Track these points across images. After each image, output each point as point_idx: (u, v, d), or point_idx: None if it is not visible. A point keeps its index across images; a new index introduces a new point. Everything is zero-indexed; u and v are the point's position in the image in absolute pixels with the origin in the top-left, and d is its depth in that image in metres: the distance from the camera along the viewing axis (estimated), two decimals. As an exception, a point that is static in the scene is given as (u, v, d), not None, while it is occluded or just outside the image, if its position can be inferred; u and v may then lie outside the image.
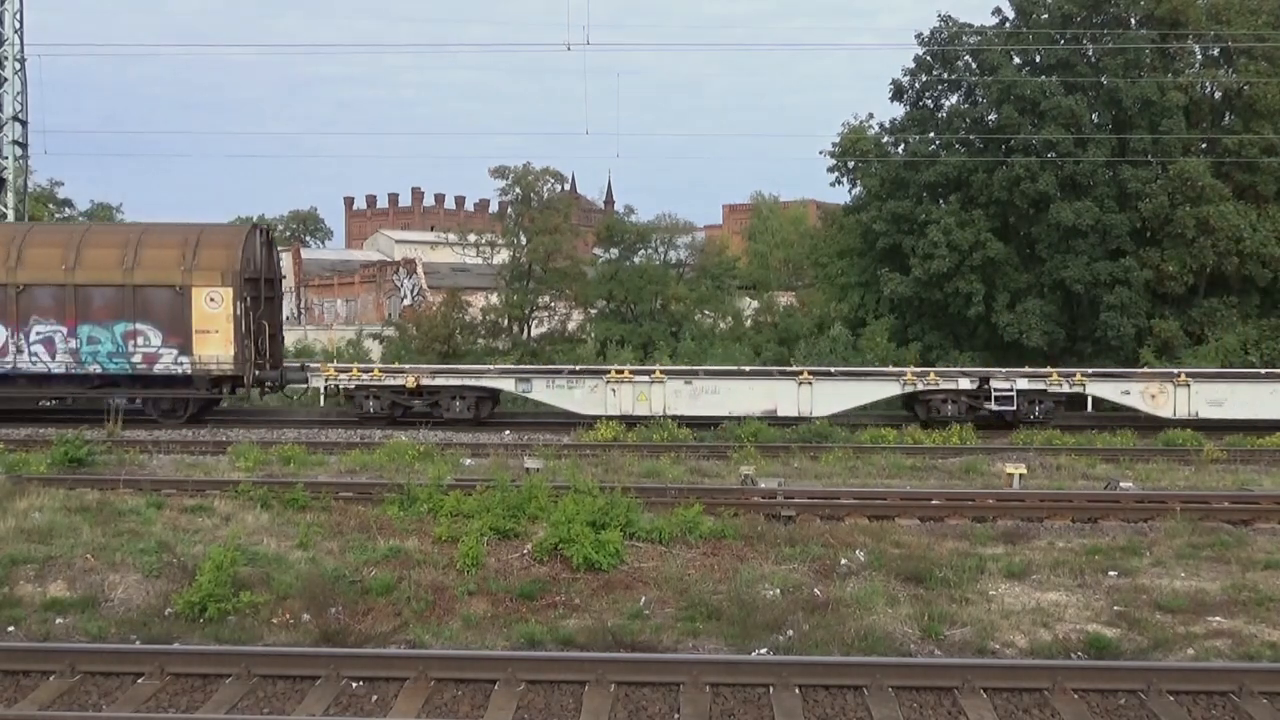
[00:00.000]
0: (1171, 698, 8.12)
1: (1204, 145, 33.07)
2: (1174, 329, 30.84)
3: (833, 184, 39.37)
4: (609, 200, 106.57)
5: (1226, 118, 33.59)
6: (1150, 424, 22.77)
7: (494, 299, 40.28)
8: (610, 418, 22.02)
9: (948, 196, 34.49)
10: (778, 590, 10.72)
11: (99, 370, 22.75)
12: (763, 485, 15.10)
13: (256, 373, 23.41)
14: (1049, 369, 24.62)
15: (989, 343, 32.56)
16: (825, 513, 13.71)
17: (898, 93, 36.27)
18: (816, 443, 20.14)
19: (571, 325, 40.41)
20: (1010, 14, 35.16)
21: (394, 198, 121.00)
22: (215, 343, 22.52)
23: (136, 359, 22.59)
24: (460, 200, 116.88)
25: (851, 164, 37.19)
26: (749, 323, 40.94)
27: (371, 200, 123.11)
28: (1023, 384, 23.10)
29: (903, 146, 35.82)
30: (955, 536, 12.75)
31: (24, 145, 30.50)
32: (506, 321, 39.31)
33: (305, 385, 24.59)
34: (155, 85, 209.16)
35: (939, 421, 22.76)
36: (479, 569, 11.22)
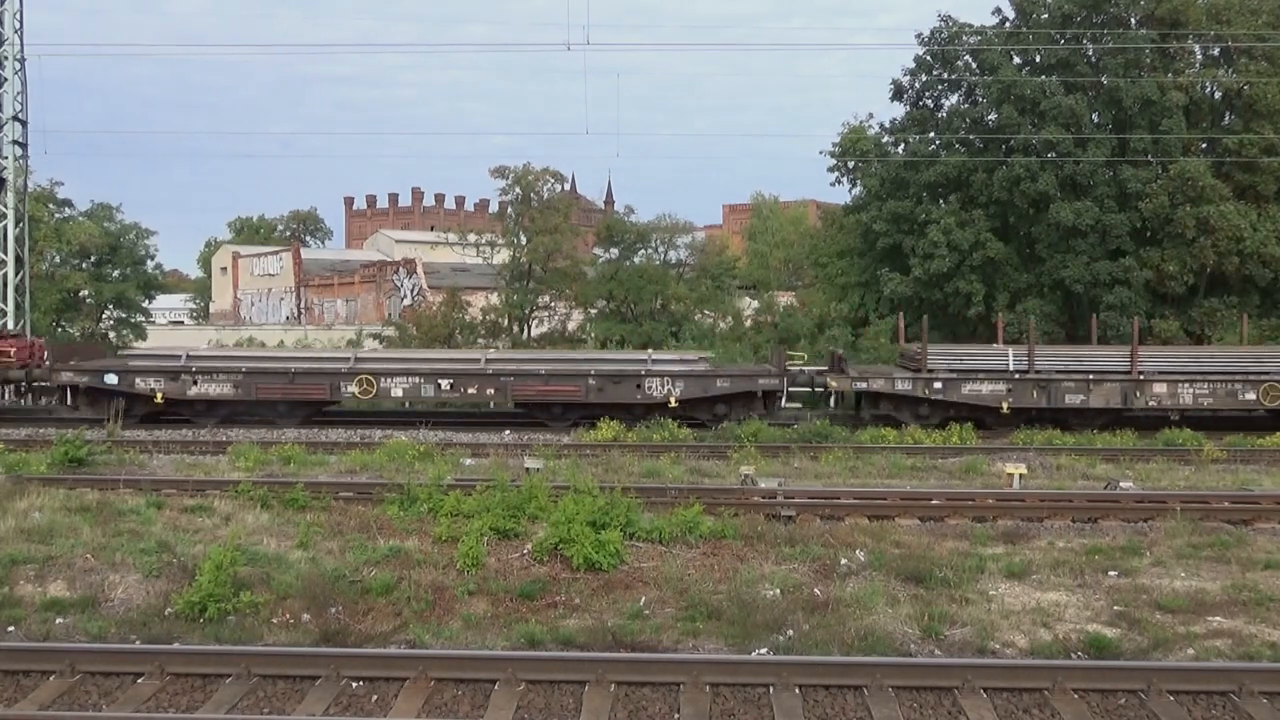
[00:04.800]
0: (1171, 698, 8.11)
1: (1204, 145, 33.12)
2: (1174, 329, 30.87)
3: (833, 184, 39.47)
4: (609, 200, 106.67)
5: (1226, 118, 33.63)
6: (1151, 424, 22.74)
7: (494, 299, 40.28)
8: None
9: (948, 196, 34.52)
10: (778, 590, 10.71)
11: None
12: (763, 485, 15.09)
13: None
14: None
15: (989, 343, 32.55)
16: (825, 513, 13.71)
17: (898, 93, 36.30)
18: (816, 443, 20.15)
19: (571, 325, 40.41)
20: (1010, 14, 35.21)
21: (394, 198, 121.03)
22: None
23: None
24: (460, 200, 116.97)
25: (851, 164, 37.24)
26: (749, 322, 40.93)
27: (371, 200, 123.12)
28: None
29: (903, 146, 35.86)
30: (955, 536, 12.74)
31: (24, 145, 30.44)
32: (506, 321, 39.30)
33: None
34: (155, 85, 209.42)
35: None
36: (479, 569, 11.22)
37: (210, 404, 23.05)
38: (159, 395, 22.58)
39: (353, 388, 22.79)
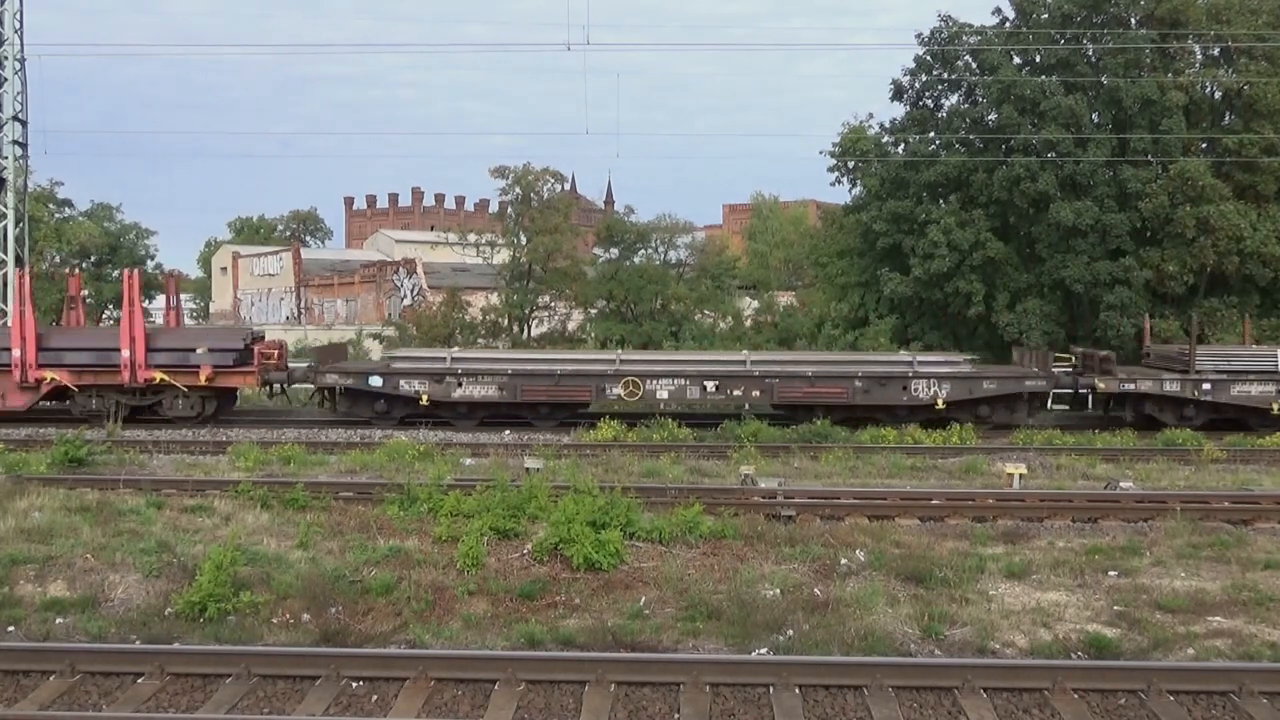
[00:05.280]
0: (1171, 698, 8.12)
1: (1204, 145, 33.09)
2: (1174, 329, 30.83)
3: (833, 184, 39.43)
4: (609, 200, 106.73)
5: (1226, 117, 33.60)
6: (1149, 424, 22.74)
7: (494, 299, 40.30)
8: None
9: (948, 196, 34.50)
10: (778, 590, 10.72)
11: None
12: (763, 485, 15.10)
13: None
14: None
15: (989, 343, 32.60)
16: (825, 512, 13.72)
17: (898, 92, 36.29)
18: (816, 443, 20.14)
19: (571, 325, 40.44)
20: (1010, 14, 35.18)
21: (394, 198, 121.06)
22: None
23: None
24: (460, 200, 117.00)
25: (851, 164, 37.21)
26: (749, 323, 40.94)
27: (371, 200, 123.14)
28: None
29: (903, 146, 35.85)
30: (955, 536, 12.75)
31: (24, 145, 30.47)
32: (506, 321, 39.33)
33: None
34: (155, 85, 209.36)
35: None
36: (479, 569, 11.23)
37: (472, 406, 23.03)
38: (424, 397, 22.59)
39: (618, 389, 22.70)
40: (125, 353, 22.50)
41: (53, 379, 22.58)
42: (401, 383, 22.74)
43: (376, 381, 22.80)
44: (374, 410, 23.05)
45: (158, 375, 22.56)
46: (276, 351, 23.66)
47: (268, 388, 24.09)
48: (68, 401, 23.15)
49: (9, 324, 24.29)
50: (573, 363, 23.63)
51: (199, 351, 22.83)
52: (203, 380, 22.66)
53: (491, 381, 22.74)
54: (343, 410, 23.41)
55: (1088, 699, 8.13)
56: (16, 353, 22.52)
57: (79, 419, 22.72)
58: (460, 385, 22.71)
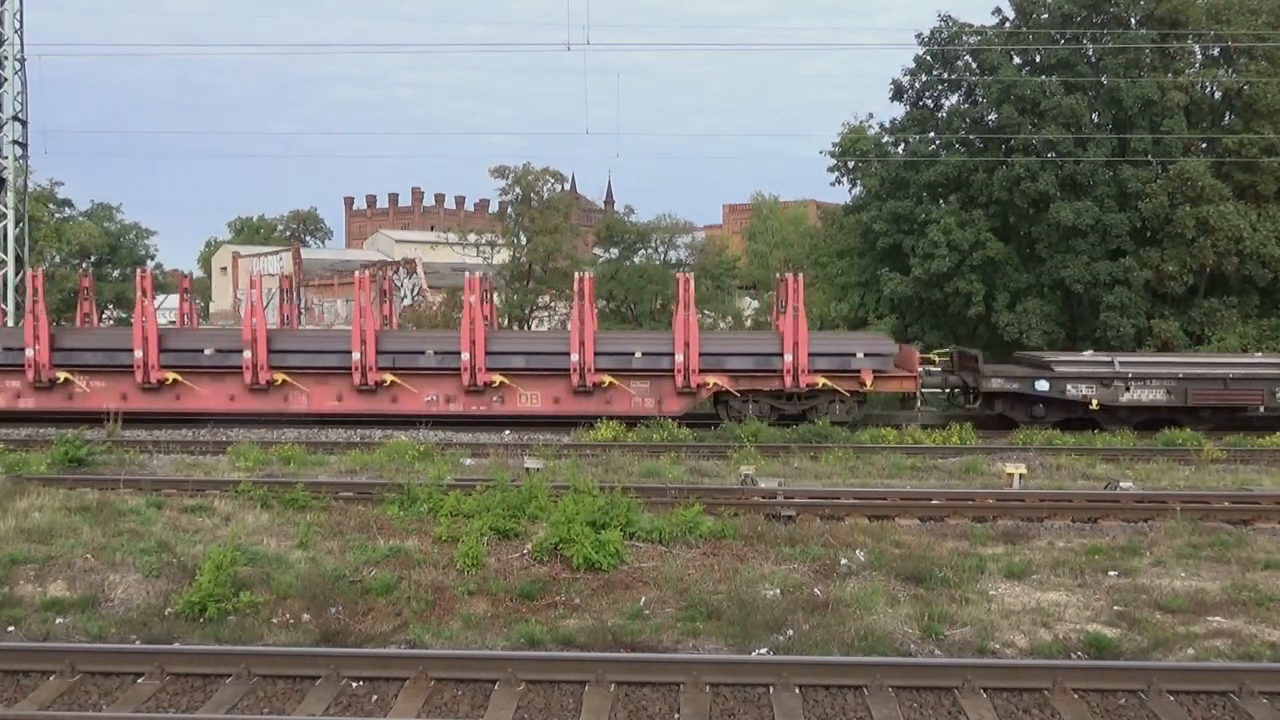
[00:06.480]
0: (1171, 698, 8.12)
1: (1204, 145, 33.11)
2: (1174, 329, 30.85)
3: (833, 184, 39.49)
4: (609, 200, 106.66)
5: (1226, 118, 33.62)
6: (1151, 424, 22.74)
7: (494, 299, 40.32)
8: None
9: (948, 196, 34.52)
10: (778, 590, 10.72)
11: None
12: (763, 485, 15.10)
13: None
14: None
15: (989, 343, 32.60)
16: (825, 513, 13.72)
17: (898, 93, 36.32)
18: (816, 443, 20.14)
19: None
20: (1010, 14, 35.21)
21: (394, 198, 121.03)
22: None
23: None
24: (460, 200, 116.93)
25: (852, 164, 37.25)
26: (749, 322, 40.96)
27: (371, 200, 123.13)
28: None
29: (903, 146, 35.87)
30: (955, 536, 12.75)
31: (24, 145, 30.52)
32: (506, 321, 39.36)
33: None
34: (155, 85, 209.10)
35: None
36: (479, 569, 11.23)
37: (1134, 410, 22.83)
38: (1094, 402, 22.55)
39: None
40: (788, 357, 22.64)
41: (715, 384, 22.82)
42: (1069, 387, 22.76)
43: (1043, 386, 22.87)
44: (1030, 414, 23.12)
45: (820, 380, 22.68)
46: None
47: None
48: (718, 407, 23.41)
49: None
50: (1243, 366, 23.36)
51: (859, 356, 22.97)
52: (867, 385, 22.79)
53: (1160, 385, 22.64)
54: (997, 412, 23.42)
55: (1088, 699, 8.13)
56: (680, 358, 22.69)
57: (726, 420, 22.91)
58: (1128, 389, 22.63)
